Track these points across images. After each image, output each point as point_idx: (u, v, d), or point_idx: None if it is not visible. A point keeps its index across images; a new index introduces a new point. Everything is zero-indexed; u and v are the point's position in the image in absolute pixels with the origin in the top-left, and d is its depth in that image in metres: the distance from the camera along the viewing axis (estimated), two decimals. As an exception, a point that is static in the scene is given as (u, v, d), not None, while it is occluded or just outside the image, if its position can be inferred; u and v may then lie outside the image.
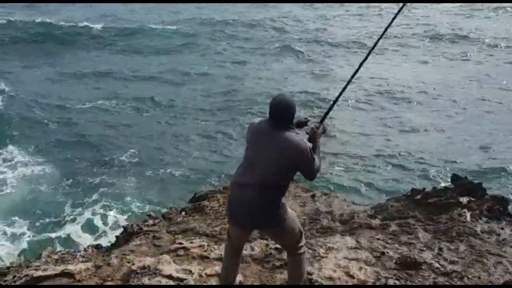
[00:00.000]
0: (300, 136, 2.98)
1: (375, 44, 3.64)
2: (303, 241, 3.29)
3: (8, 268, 4.65)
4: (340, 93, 3.43)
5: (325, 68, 19.06)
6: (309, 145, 2.97)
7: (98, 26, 24.95)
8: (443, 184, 5.96)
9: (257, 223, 3.11)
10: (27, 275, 3.98)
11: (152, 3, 30.19)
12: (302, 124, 3.26)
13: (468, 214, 5.00)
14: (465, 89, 16.20)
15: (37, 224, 9.48)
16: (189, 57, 21.23)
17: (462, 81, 17.05)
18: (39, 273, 3.98)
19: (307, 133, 3.23)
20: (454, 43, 21.98)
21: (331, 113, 3.41)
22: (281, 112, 2.93)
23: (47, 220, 9.61)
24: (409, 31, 23.79)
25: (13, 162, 11.75)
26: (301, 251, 3.26)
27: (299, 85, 17.08)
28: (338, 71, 18.38)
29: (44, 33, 23.61)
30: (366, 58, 3.49)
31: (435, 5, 28.62)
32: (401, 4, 3.94)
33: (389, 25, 3.72)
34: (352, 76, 3.43)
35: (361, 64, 3.47)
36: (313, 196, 5.90)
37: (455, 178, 5.84)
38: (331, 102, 3.45)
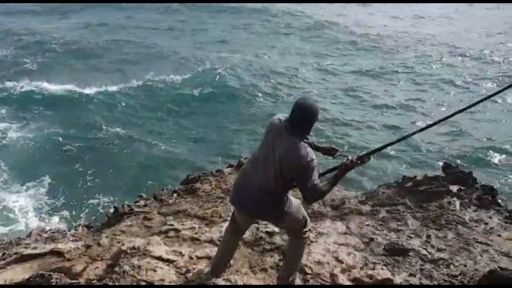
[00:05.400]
0: (309, 148, 2.84)
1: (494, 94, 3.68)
2: (308, 227, 3.30)
3: (-3, 245, 4.65)
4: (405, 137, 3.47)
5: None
6: (315, 162, 2.80)
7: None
8: (434, 173, 5.97)
9: (260, 216, 3.17)
10: (16, 253, 3.98)
11: None
12: (321, 148, 3.17)
13: (457, 203, 5.04)
14: (459, 79, 16.21)
15: (29, 202, 9.47)
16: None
17: (458, 69, 17.05)
18: (29, 251, 3.98)
19: (342, 162, 3.06)
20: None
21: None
22: (301, 116, 2.82)
23: (38, 198, 9.59)
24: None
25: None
26: (305, 235, 3.30)
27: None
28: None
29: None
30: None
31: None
32: None
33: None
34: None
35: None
36: (305, 181, 5.92)
37: (446, 166, 5.86)
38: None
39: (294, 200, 3.18)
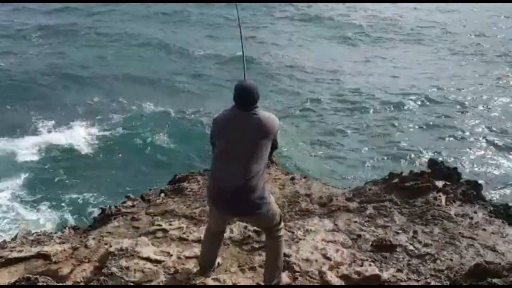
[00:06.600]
0: (269, 112, 3.14)
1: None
2: (282, 224, 3.35)
3: (-18, 249, 4.55)
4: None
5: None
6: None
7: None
8: (420, 169, 6.04)
9: (245, 210, 3.13)
10: (1, 257, 3.91)
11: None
12: None
13: (443, 198, 5.11)
14: (445, 81, 16.46)
15: (14, 205, 9.32)
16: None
17: (442, 73, 17.30)
18: (14, 254, 3.91)
19: None
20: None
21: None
22: (250, 97, 3.04)
23: (26, 201, 9.46)
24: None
25: None
26: (281, 233, 3.32)
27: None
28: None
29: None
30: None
31: None
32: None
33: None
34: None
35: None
36: (292, 179, 5.93)
37: (432, 162, 5.94)
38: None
39: (271, 195, 3.27)
